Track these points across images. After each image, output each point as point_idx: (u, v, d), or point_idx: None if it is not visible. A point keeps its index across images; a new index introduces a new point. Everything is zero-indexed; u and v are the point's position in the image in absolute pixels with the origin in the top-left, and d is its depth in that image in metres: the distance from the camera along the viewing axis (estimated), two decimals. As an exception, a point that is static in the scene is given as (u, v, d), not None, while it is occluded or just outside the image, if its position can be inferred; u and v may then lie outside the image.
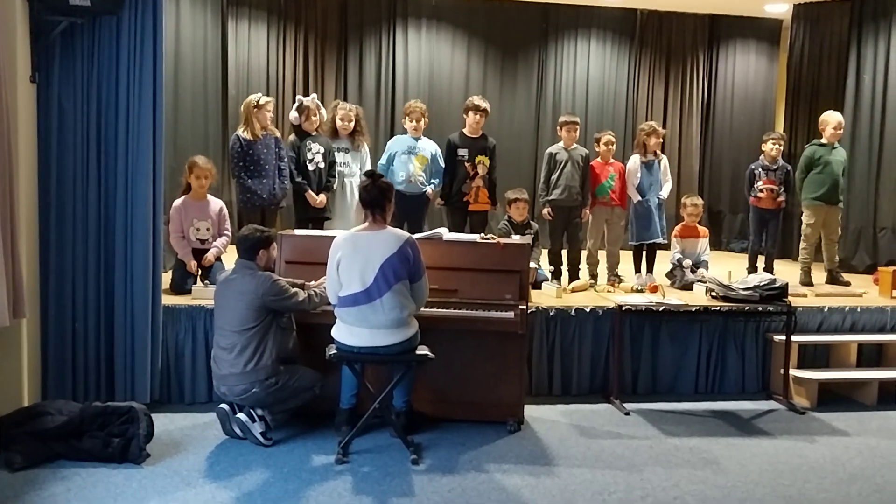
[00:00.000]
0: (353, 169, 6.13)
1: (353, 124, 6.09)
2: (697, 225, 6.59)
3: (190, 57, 7.14)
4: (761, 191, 6.82)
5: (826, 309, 5.74)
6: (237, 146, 5.71)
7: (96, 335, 4.57)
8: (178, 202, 5.45)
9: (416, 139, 6.28)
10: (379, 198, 4.13)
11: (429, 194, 6.28)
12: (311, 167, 5.90)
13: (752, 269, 6.88)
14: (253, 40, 8.94)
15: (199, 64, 7.39)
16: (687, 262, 6.28)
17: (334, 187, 6.04)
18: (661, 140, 6.58)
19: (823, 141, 6.79)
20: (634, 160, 6.60)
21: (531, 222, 6.34)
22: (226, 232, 5.60)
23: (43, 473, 3.77)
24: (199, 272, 5.42)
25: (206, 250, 5.45)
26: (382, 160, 6.26)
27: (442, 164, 6.32)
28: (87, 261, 4.51)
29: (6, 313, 3.92)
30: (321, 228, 5.75)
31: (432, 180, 6.30)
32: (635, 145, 6.73)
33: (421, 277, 4.14)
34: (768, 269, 6.79)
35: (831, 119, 6.81)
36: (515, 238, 5.59)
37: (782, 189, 6.83)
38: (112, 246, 4.54)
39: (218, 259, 5.50)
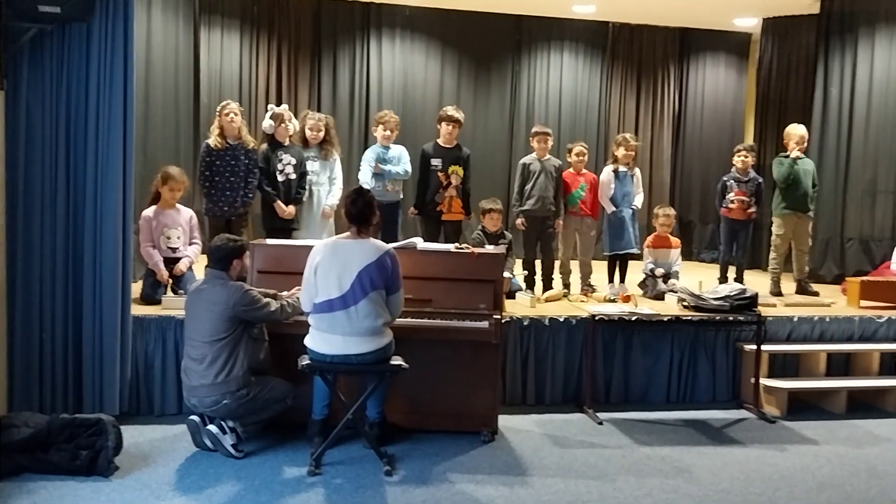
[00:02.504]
0: (321, 178, 6.11)
1: (322, 133, 6.08)
2: (670, 235, 6.65)
3: (161, 64, 7.08)
4: (732, 202, 6.90)
5: (795, 319, 5.82)
6: (204, 154, 5.70)
7: (64, 346, 4.49)
8: (147, 211, 5.39)
9: (387, 149, 6.27)
10: (365, 212, 4.13)
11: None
12: (280, 178, 5.88)
13: (723, 279, 6.95)
14: (226, 48, 8.87)
15: (170, 72, 7.33)
16: (660, 272, 6.33)
17: (304, 199, 6.00)
18: (633, 152, 6.63)
19: (787, 154, 6.90)
20: (607, 171, 6.66)
21: (505, 232, 6.35)
22: (195, 241, 5.54)
23: (8, 487, 3.70)
24: (170, 282, 5.36)
25: (178, 259, 5.39)
26: (367, 177, 6.15)
27: (408, 166, 6.30)
28: (54, 270, 4.44)
29: (-29, 324, 3.85)
30: (288, 238, 5.70)
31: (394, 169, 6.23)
32: (609, 156, 6.78)
33: (398, 290, 4.14)
34: (739, 279, 6.87)
35: (794, 132, 6.94)
36: (489, 248, 5.60)
37: (753, 200, 6.92)
38: (81, 255, 4.47)
39: (189, 269, 5.44)
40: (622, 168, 6.61)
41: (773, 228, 7.01)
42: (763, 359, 5.42)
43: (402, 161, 6.28)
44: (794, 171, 6.82)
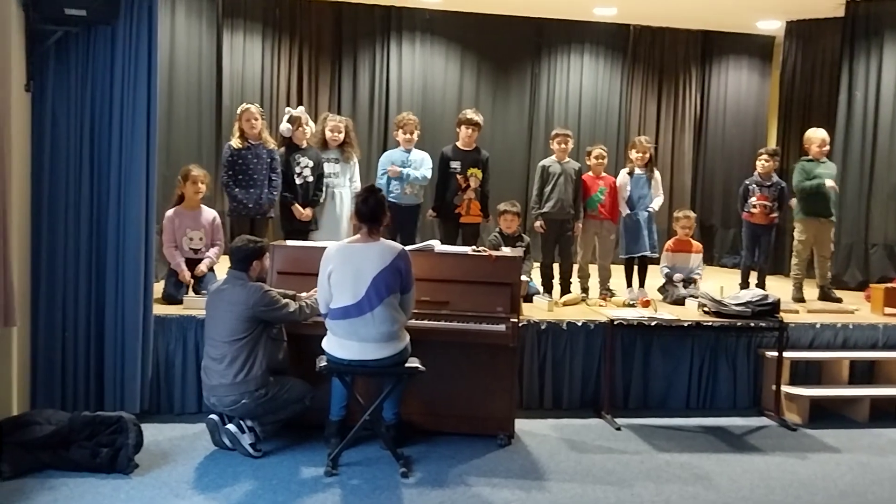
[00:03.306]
0: (342, 180, 6.13)
1: (342, 136, 6.10)
2: (691, 240, 6.61)
3: (184, 67, 7.15)
4: (754, 206, 6.83)
5: (818, 325, 5.75)
6: (227, 154, 5.73)
7: (86, 344, 4.54)
8: (170, 212, 5.44)
9: (408, 152, 6.29)
10: (377, 211, 4.13)
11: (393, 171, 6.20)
12: (298, 180, 5.90)
13: (745, 284, 6.87)
14: (248, 51, 8.96)
15: (193, 74, 7.40)
16: (678, 277, 6.29)
17: (321, 201, 6.03)
18: (645, 154, 6.58)
19: (810, 157, 6.83)
20: (623, 174, 6.65)
21: (522, 235, 6.35)
22: (218, 242, 5.59)
23: (30, 483, 3.75)
24: (192, 282, 5.41)
25: (199, 260, 5.44)
26: (381, 180, 6.22)
27: (428, 172, 6.31)
28: (78, 269, 4.49)
29: (-4, 321, 3.91)
30: (305, 240, 5.72)
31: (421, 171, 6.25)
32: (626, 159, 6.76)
33: (410, 289, 4.14)
34: (760, 284, 6.79)
35: (815, 136, 6.85)
36: (507, 251, 5.60)
37: (776, 205, 6.85)
38: (104, 255, 4.52)
39: (210, 269, 5.49)
40: (638, 170, 6.58)
41: (795, 233, 6.93)
42: (785, 366, 5.36)
43: (423, 166, 6.28)
44: (818, 172, 6.71)
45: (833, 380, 5.66)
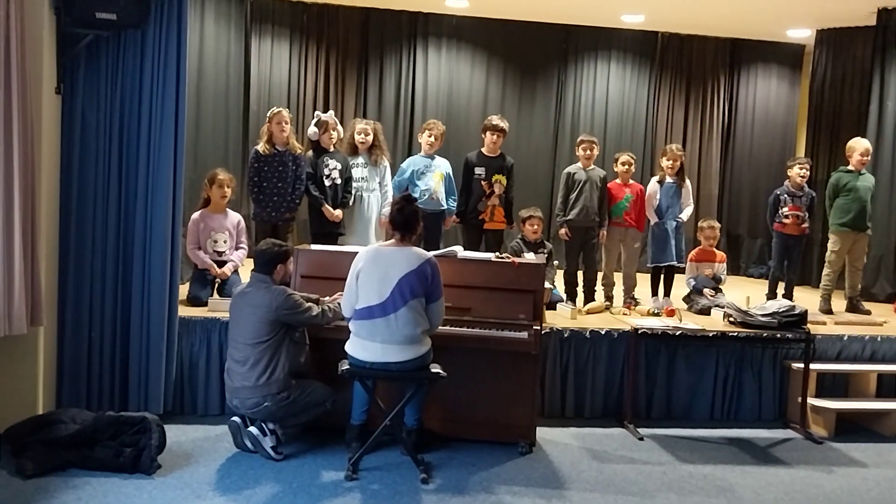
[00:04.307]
0: (371, 184, 6.14)
1: (370, 138, 6.12)
2: (715, 249, 6.55)
3: (213, 71, 7.21)
4: (786, 216, 6.73)
5: (845, 337, 5.67)
6: (252, 159, 5.76)
7: (112, 345, 4.59)
8: (196, 215, 5.49)
9: (431, 157, 6.29)
10: (411, 220, 4.16)
11: (451, 221, 6.30)
12: (327, 182, 5.92)
13: (772, 295, 6.79)
14: (275, 56, 9.04)
15: (221, 78, 7.47)
16: (708, 291, 6.22)
17: (350, 203, 6.05)
18: (675, 162, 6.53)
19: (850, 167, 6.73)
20: (653, 182, 6.61)
21: (545, 241, 6.32)
22: (242, 245, 5.63)
23: (54, 482, 3.79)
24: (216, 285, 5.44)
25: (223, 263, 5.48)
26: (395, 180, 6.27)
27: (454, 185, 6.33)
28: (105, 270, 4.55)
29: (24, 321, 3.96)
30: (334, 244, 5.76)
31: (451, 197, 6.31)
32: (655, 167, 6.70)
33: (438, 299, 4.14)
34: (788, 295, 6.71)
35: (858, 146, 6.74)
36: (530, 257, 5.58)
37: (807, 215, 6.77)
38: (130, 256, 4.57)
39: (234, 272, 5.53)
40: (668, 179, 6.53)
41: (829, 244, 6.82)
42: (811, 378, 5.29)
43: (449, 175, 6.29)
44: (855, 185, 6.62)
45: (860, 393, 5.58)
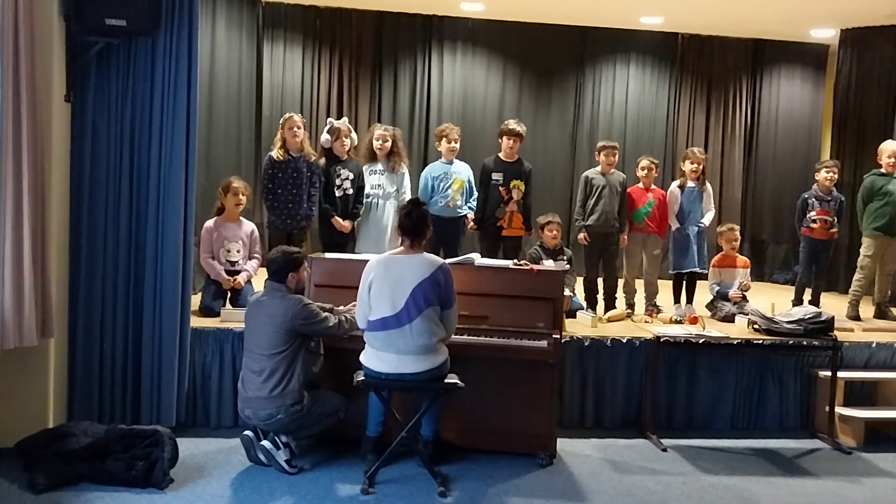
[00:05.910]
0: (388, 191, 6.04)
1: (388, 144, 6.03)
2: (737, 254, 6.41)
3: (224, 78, 7.17)
4: (814, 221, 6.57)
5: (874, 344, 5.52)
6: (267, 166, 5.70)
7: (123, 356, 4.54)
8: (209, 223, 5.43)
9: (450, 163, 6.21)
10: (419, 225, 4.08)
11: (470, 220, 6.21)
12: (338, 193, 5.85)
13: (798, 301, 6.63)
14: (288, 62, 8.98)
15: (233, 85, 7.43)
16: (734, 294, 6.09)
17: (360, 213, 5.97)
18: (698, 165, 6.40)
19: (882, 171, 6.56)
20: (673, 187, 6.48)
21: (564, 248, 6.21)
22: (256, 255, 5.56)
23: (66, 495, 3.74)
24: (229, 295, 5.38)
25: (237, 272, 5.41)
26: (420, 191, 6.19)
27: (475, 189, 6.24)
28: (116, 281, 4.50)
29: (35, 333, 3.93)
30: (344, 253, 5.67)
31: (468, 203, 6.22)
32: (677, 171, 6.57)
33: (452, 305, 4.06)
34: (815, 301, 6.54)
35: (887, 148, 6.57)
36: (549, 264, 5.47)
37: (836, 220, 6.60)
38: (142, 266, 4.52)
39: (248, 282, 5.46)
40: (690, 183, 6.40)
41: (862, 249, 6.63)
42: (839, 386, 5.15)
43: (469, 181, 6.23)
44: (889, 188, 6.44)
45: (889, 401, 5.43)
